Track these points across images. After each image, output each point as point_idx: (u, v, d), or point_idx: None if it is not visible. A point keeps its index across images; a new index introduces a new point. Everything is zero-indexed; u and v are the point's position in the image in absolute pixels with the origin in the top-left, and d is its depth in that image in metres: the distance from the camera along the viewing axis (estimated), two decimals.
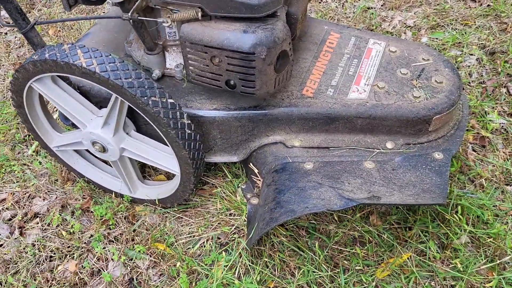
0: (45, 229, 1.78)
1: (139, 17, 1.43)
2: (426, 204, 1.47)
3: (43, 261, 1.69)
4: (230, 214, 1.78)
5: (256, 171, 1.73)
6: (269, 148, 1.70)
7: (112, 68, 1.35)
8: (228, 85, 1.50)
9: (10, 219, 1.82)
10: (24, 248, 1.72)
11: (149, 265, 1.68)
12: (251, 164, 1.75)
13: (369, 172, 1.57)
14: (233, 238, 1.70)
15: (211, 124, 1.63)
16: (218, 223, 1.75)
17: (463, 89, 2.16)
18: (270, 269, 1.61)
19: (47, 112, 1.74)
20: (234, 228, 1.73)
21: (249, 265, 1.59)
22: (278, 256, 1.63)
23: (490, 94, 2.15)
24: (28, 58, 1.47)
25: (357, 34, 1.88)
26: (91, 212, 1.80)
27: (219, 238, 1.73)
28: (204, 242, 1.71)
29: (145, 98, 1.36)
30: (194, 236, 1.73)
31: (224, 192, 1.82)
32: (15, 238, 1.75)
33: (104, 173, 1.85)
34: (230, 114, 1.61)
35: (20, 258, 1.70)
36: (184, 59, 1.50)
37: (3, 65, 2.43)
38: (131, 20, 1.41)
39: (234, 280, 1.53)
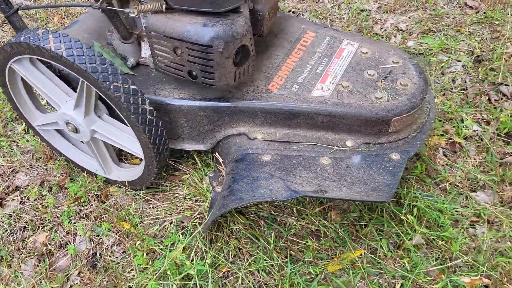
0: (23, 202, 1.90)
1: (107, 7, 1.52)
2: (369, 201, 1.51)
3: (17, 231, 1.81)
4: (196, 200, 1.86)
5: (221, 160, 1.81)
6: (233, 138, 1.77)
7: (78, 53, 1.45)
8: (190, 75, 1.57)
9: None
10: (1, 218, 1.84)
11: (114, 242, 1.77)
12: (216, 153, 1.82)
13: (324, 168, 1.62)
14: (194, 223, 1.78)
15: (177, 113, 1.71)
16: (183, 208, 1.83)
17: (436, 95, 2.18)
18: (225, 254, 1.68)
19: (30, 93, 1.85)
20: (198, 214, 1.81)
21: (204, 249, 1.67)
22: (234, 242, 1.70)
23: (470, 101, 2.15)
24: (8, 40, 1.58)
25: (333, 34, 1.92)
26: (67, 189, 1.91)
27: (182, 222, 1.81)
28: (167, 225, 1.79)
29: (107, 83, 1.45)
30: (158, 218, 1.81)
31: (192, 179, 1.90)
32: None
33: (83, 154, 1.96)
34: (195, 104, 1.69)
35: None
36: (151, 49, 1.58)
37: None
38: (100, 10, 1.51)
39: (186, 262, 1.61)
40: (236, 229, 1.75)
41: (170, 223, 1.80)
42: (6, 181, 1.97)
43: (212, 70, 1.51)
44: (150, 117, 1.55)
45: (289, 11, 2.70)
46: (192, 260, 1.64)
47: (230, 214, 1.78)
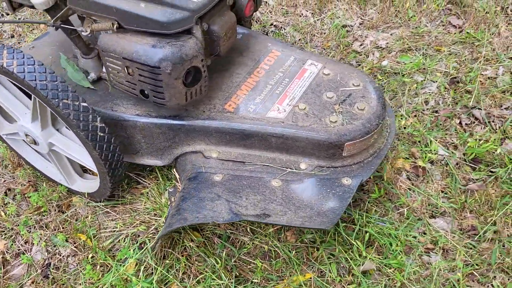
0: None
1: (61, 25, 1.54)
2: (310, 228, 1.51)
3: None
4: (154, 215, 1.87)
5: (177, 176, 1.82)
6: (189, 156, 1.78)
7: (29, 70, 1.47)
8: (142, 94, 1.59)
9: None
10: None
11: (69, 253, 1.80)
12: (174, 169, 1.83)
13: (273, 190, 1.62)
14: (148, 238, 1.79)
15: (133, 129, 1.73)
16: (140, 222, 1.85)
17: (406, 117, 2.15)
18: (174, 271, 1.69)
19: None
20: (154, 228, 1.82)
21: (154, 266, 1.68)
22: (184, 260, 1.71)
23: (441, 124, 2.12)
24: None
25: (297, 54, 1.91)
26: (29, 197, 1.94)
27: (138, 236, 1.83)
28: (122, 238, 1.81)
29: (56, 100, 1.47)
30: (114, 231, 1.83)
31: (151, 193, 1.91)
32: None
33: (48, 163, 1.99)
34: (150, 121, 1.70)
35: None
36: (105, 66, 1.60)
37: None
38: (54, 27, 1.53)
39: (133, 278, 1.62)
40: (189, 246, 1.76)
41: (126, 237, 1.82)
42: None
43: (161, 90, 1.52)
44: (101, 134, 1.57)
45: (271, 24, 2.70)
46: (139, 276, 1.66)
47: (185, 230, 1.79)
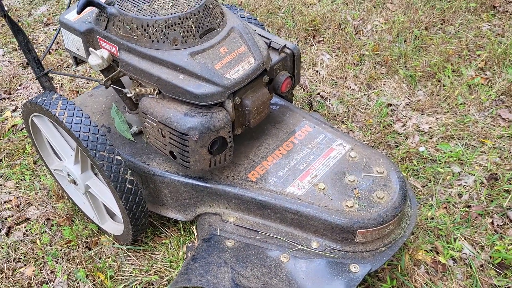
0: (26, 234, 2.13)
1: (111, 85, 1.73)
2: None
3: (12, 260, 2.03)
4: (170, 266, 1.96)
5: (196, 234, 1.90)
6: (209, 216, 1.87)
7: (76, 121, 1.65)
8: (172, 155, 1.71)
9: (6, 218, 2.20)
10: (2, 246, 2.07)
11: None
12: (194, 227, 1.92)
13: (279, 265, 1.65)
14: None
15: (161, 183, 1.85)
16: (156, 271, 1.94)
17: (436, 207, 2.11)
18: None
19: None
20: (166, 280, 1.91)
21: None
22: None
23: (471, 220, 2.06)
24: (31, 98, 1.84)
25: (329, 132, 1.97)
26: (63, 230, 2.11)
27: (152, 285, 1.91)
28: (137, 284, 1.91)
29: (94, 151, 1.63)
30: (131, 276, 1.93)
31: (171, 245, 2.01)
32: (1, 235, 2.12)
33: (86, 200, 2.16)
34: (177, 179, 1.82)
35: None
36: (142, 125, 1.76)
37: (63, 90, 2.92)
38: (105, 85, 1.72)
39: None
40: None
41: (139, 284, 1.91)
42: (19, 212, 2.22)
43: (188, 155, 1.64)
44: (129, 186, 1.70)
45: (318, 93, 2.79)
46: None
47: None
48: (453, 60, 2.95)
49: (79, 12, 1.65)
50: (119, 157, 1.68)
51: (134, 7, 1.65)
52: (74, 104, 1.71)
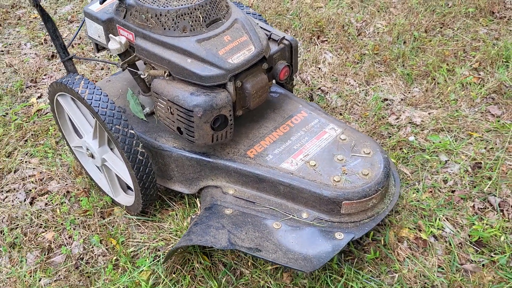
0: (48, 204, 2.36)
1: (127, 68, 1.95)
2: (292, 268, 1.69)
3: (35, 225, 2.25)
4: (176, 235, 2.16)
5: (199, 205, 2.11)
6: (211, 189, 2.07)
7: (96, 98, 1.88)
8: (179, 131, 1.93)
9: (30, 190, 2.43)
10: (27, 213, 2.30)
11: (101, 253, 2.13)
12: (197, 199, 2.13)
13: (271, 231, 1.85)
14: (165, 253, 2.08)
15: (169, 158, 2.06)
16: (162, 239, 2.14)
17: (422, 191, 2.28)
18: (179, 286, 1.95)
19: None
20: (171, 246, 2.11)
21: (163, 277, 1.96)
22: (189, 278, 1.96)
23: (454, 203, 2.23)
24: (57, 79, 2.07)
25: (323, 117, 2.16)
26: (81, 201, 2.33)
27: (158, 250, 2.12)
28: (145, 249, 2.12)
29: (110, 124, 1.85)
30: (140, 242, 2.14)
31: (177, 216, 2.21)
32: (25, 204, 2.35)
33: (102, 176, 2.38)
34: (183, 154, 2.03)
35: (21, 219, 2.29)
36: (154, 104, 1.98)
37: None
38: (122, 68, 1.95)
39: (141, 283, 1.91)
40: (196, 267, 2.01)
41: (147, 249, 2.12)
42: (42, 184, 2.46)
43: (192, 130, 1.85)
44: (140, 158, 1.91)
45: (319, 88, 2.98)
46: (149, 284, 1.94)
47: (196, 253, 2.05)
48: (449, 60, 3.12)
49: (101, 3, 1.88)
50: (132, 131, 1.90)
51: None
52: (94, 84, 1.94)
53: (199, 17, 1.85)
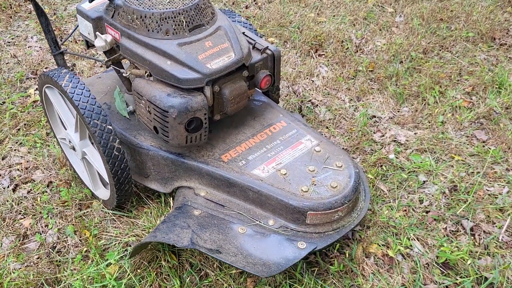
0: (30, 192, 2.43)
1: (110, 65, 2.01)
2: (249, 272, 1.72)
3: (14, 212, 2.32)
4: (148, 232, 2.20)
5: (172, 204, 2.15)
6: (184, 190, 2.11)
7: (78, 92, 1.94)
8: (155, 130, 1.98)
9: (15, 177, 2.51)
10: (9, 199, 2.37)
11: (74, 243, 2.19)
12: (171, 198, 2.17)
13: (235, 235, 1.88)
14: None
15: (146, 156, 2.11)
16: (134, 235, 2.19)
17: (396, 209, 2.29)
18: (144, 282, 1.99)
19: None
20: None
21: (128, 271, 2.00)
22: (154, 275, 2.00)
23: (426, 224, 2.23)
24: (45, 72, 2.14)
25: (301, 128, 2.20)
26: (61, 191, 2.39)
27: (129, 245, 2.16)
28: (116, 243, 2.16)
29: (89, 118, 1.91)
30: (112, 236, 2.19)
31: (152, 214, 2.26)
32: (8, 190, 2.42)
33: (84, 169, 2.44)
34: (159, 153, 2.08)
35: (2, 205, 2.35)
36: (134, 103, 2.03)
37: (82, 76, 3.26)
38: (106, 65, 2.01)
39: (106, 275, 1.95)
40: (163, 265, 2.05)
41: (118, 243, 2.16)
42: (27, 173, 2.53)
43: (167, 130, 1.90)
44: (116, 153, 1.97)
45: (309, 100, 3.02)
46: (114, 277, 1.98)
47: (164, 252, 2.09)
48: (442, 82, 3.13)
49: (90, 1, 1.95)
50: (110, 127, 1.95)
51: (137, 0, 1.94)
52: (79, 78, 2.00)
53: (183, 21, 1.90)
